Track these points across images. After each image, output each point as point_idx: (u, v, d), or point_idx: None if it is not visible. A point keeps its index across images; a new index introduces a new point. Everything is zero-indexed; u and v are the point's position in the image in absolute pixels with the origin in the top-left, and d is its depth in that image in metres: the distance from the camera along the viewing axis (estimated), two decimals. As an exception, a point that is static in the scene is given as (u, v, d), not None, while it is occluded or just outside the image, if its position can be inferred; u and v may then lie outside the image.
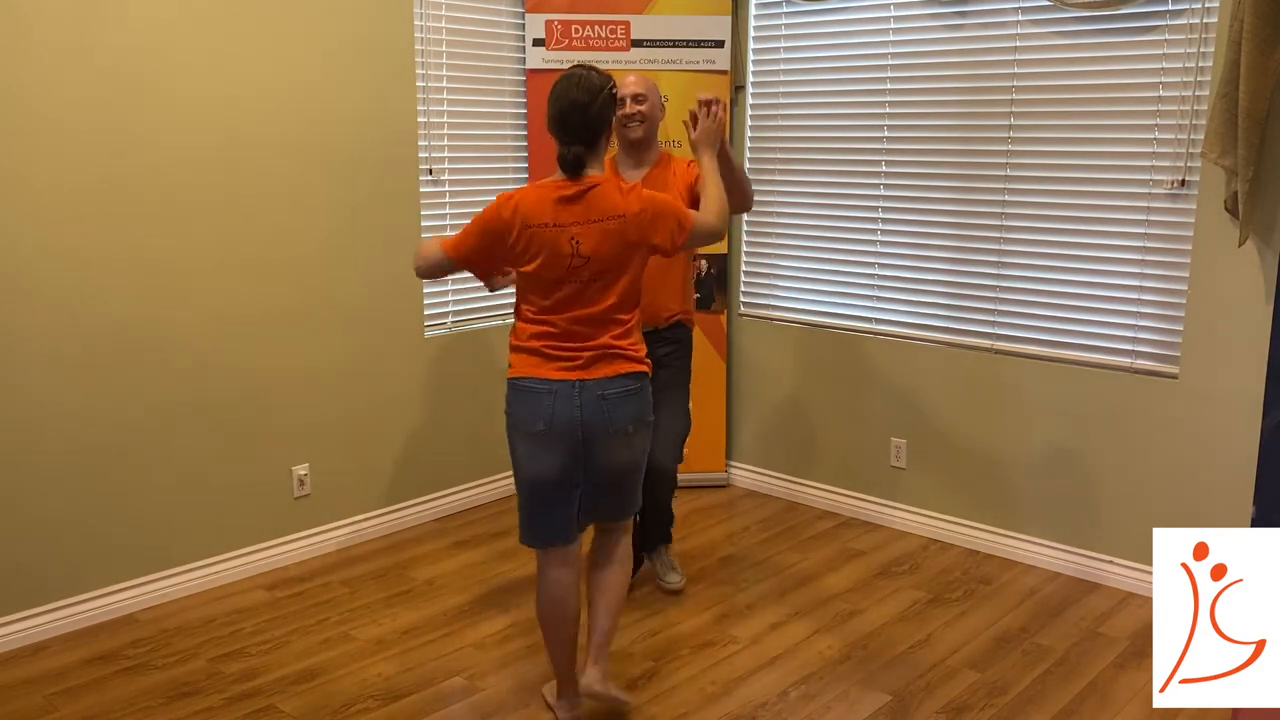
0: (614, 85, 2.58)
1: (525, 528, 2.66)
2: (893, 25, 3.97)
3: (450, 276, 4.13)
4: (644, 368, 2.63)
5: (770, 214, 4.44)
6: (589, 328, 2.54)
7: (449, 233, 4.12)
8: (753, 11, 4.38)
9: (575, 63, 2.67)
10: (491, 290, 2.86)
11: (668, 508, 3.58)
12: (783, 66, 4.33)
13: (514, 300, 2.67)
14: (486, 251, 2.56)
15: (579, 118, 2.51)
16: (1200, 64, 3.29)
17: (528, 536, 2.66)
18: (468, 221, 4.13)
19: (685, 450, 3.66)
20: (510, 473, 4.46)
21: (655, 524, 3.59)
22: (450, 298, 4.20)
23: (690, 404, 3.50)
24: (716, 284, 4.48)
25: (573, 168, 2.53)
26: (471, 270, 2.63)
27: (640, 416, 2.63)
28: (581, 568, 2.71)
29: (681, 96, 4.27)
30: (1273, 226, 3.19)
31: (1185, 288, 3.40)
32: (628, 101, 3.24)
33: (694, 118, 2.84)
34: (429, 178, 4.03)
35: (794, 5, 4.24)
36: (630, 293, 2.58)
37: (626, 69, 4.20)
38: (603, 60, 4.22)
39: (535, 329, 2.56)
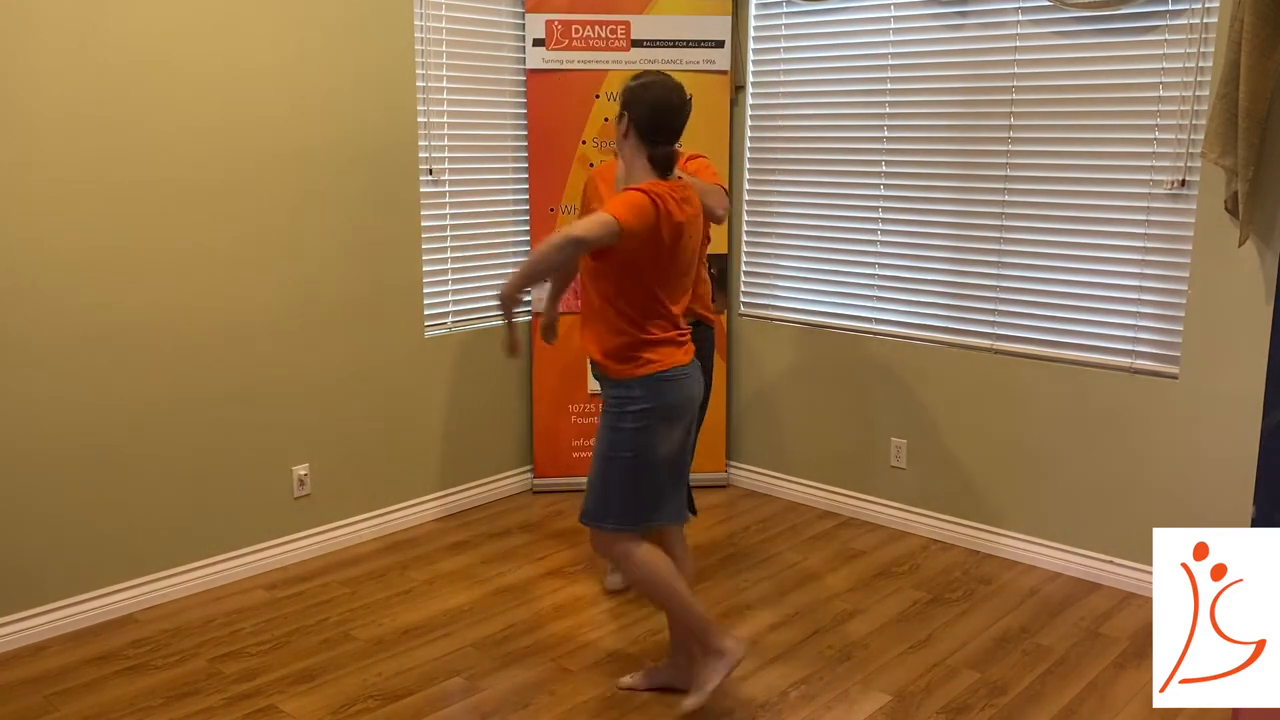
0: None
1: (637, 509, 2.69)
2: (893, 25, 3.97)
3: (451, 275, 4.16)
4: None
5: (770, 214, 4.44)
6: (684, 312, 2.79)
7: (449, 233, 4.13)
8: (753, 11, 4.38)
9: (645, 69, 2.79)
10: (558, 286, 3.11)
11: None
12: (783, 66, 4.33)
13: (604, 298, 2.70)
14: (643, 237, 2.56)
15: (680, 120, 2.66)
16: (1200, 64, 3.29)
17: (637, 517, 2.70)
18: (472, 219, 4.18)
19: None
20: (511, 473, 4.48)
21: None
22: (450, 298, 4.20)
23: None
24: (716, 284, 4.48)
25: (668, 166, 2.68)
26: (615, 251, 2.57)
27: None
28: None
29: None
30: (1273, 226, 3.19)
31: (1185, 288, 3.40)
32: None
33: None
34: (429, 178, 4.03)
35: (794, 5, 4.24)
36: None
37: (627, 69, 4.21)
38: (603, 60, 4.22)
39: (662, 321, 2.68)
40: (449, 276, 4.17)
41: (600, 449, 2.72)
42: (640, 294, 2.64)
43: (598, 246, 2.52)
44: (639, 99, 2.64)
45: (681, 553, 2.94)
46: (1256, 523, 2.46)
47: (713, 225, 3.13)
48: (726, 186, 3.28)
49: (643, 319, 2.66)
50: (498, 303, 2.57)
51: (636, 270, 2.61)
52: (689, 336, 2.77)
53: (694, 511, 3.61)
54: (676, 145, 2.70)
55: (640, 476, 2.70)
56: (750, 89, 4.43)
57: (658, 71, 2.71)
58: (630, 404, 2.65)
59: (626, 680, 2.94)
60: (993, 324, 3.85)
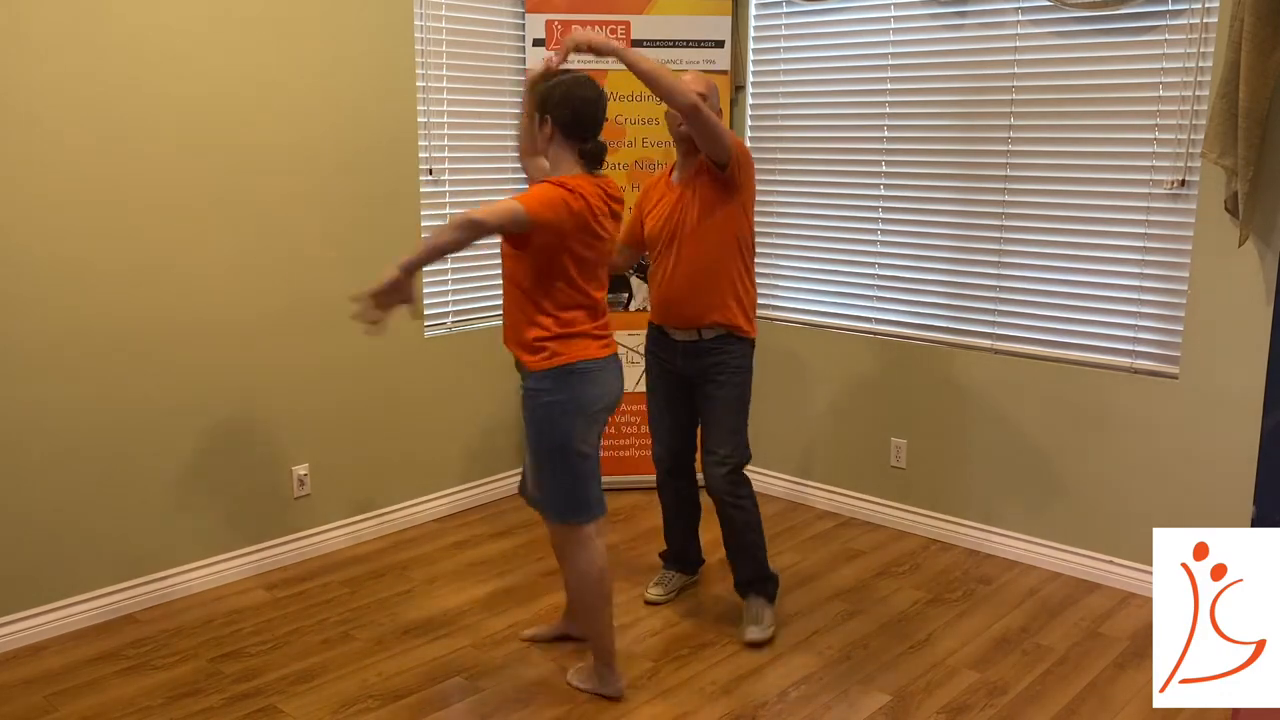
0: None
1: (588, 500, 2.79)
2: (893, 25, 3.97)
3: (451, 275, 4.16)
4: None
5: (770, 214, 4.44)
6: (603, 305, 2.80)
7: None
8: (753, 11, 4.38)
9: (564, 73, 2.79)
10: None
11: (744, 544, 3.23)
12: (783, 66, 4.33)
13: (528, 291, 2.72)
14: (556, 229, 2.60)
15: (602, 111, 2.74)
16: (1200, 64, 3.29)
17: (595, 507, 2.80)
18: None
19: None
20: (511, 472, 4.48)
21: (738, 562, 3.26)
22: (450, 298, 4.20)
23: (745, 432, 3.22)
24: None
25: (599, 160, 2.75)
26: (531, 239, 2.62)
27: None
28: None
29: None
30: (1273, 226, 3.19)
31: (1185, 288, 3.40)
32: None
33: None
34: (429, 178, 4.03)
35: (794, 5, 4.24)
36: None
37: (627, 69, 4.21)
38: (602, 60, 4.21)
39: (580, 313, 2.72)
40: (449, 276, 4.17)
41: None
42: (565, 282, 2.69)
43: (499, 232, 2.57)
44: (557, 101, 2.70)
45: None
46: (1256, 523, 2.46)
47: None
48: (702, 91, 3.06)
49: (564, 307, 2.70)
50: (391, 282, 2.51)
51: (573, 256, 2.67)
52: (603, 331, 2.78)
53: (756, 590, 3.31)
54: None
55: (579, 466, 2.83)
56: (750, 89, 4.43)
57: (563, 72, 2.77)
58: (543, 395, 2.70)
59: (529, 632, 3.21)
60: (993, 324, 3.85)
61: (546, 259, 2.64)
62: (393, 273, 2.51)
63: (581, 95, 2.70)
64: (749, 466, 3.53)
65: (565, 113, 2.70)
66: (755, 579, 3.27)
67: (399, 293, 2.53)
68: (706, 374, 3.17)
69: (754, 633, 3.19)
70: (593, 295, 2.75)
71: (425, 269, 4.04)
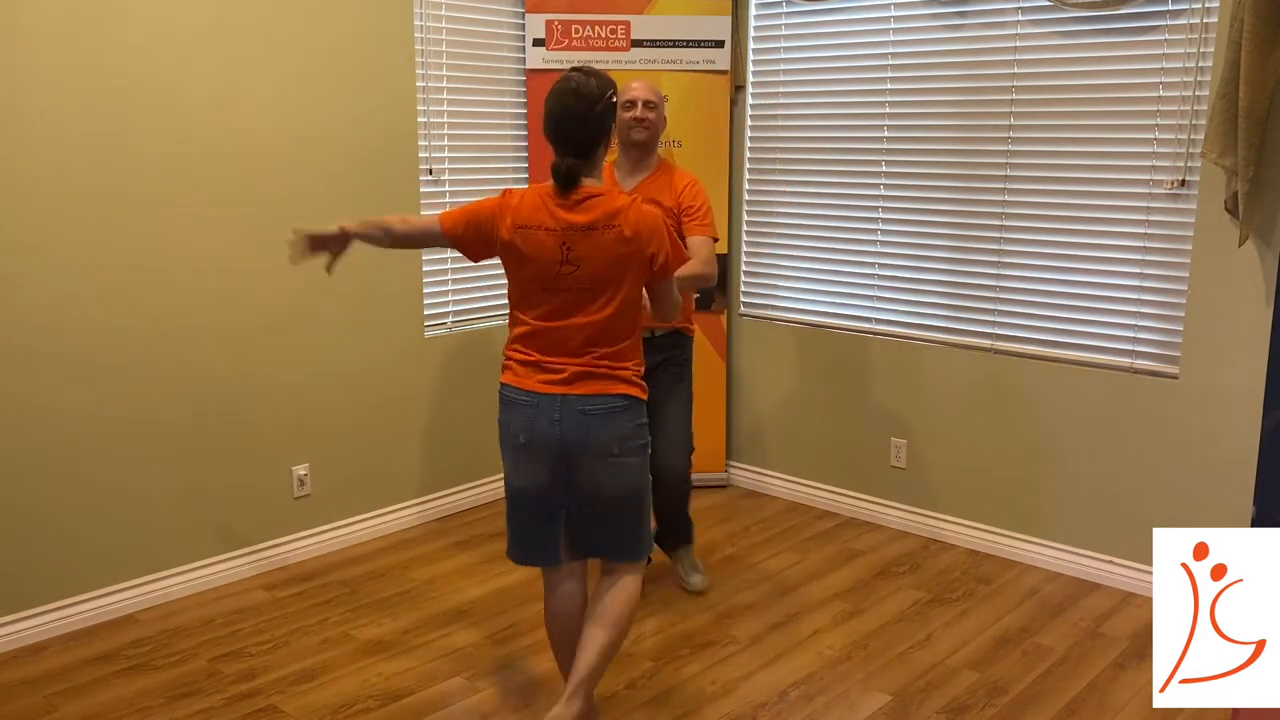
0: (614, 92, 2.42)
1: (509, 540, 2.59)
2: (893, 25, 3.97)
3: (451, 275, 4.16)
4: (635, 390, 2.47)
5: (770, 214, 4.44)
6: (579, 341, 2.40)
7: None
8: (753, 11, 4.38)
9: (574, 65, 2.51)
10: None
11: (683, 513, 3.56)
12: (783, 66, 4.33)
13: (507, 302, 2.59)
14: (474, 238, 2.49)
15: (575, 128, 2.37)
16: (1200, 64, 3.29)
17: (509, 550, 2.60)
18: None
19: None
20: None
21: (672, 527, 3.59)
22: (450, 298, 4.20)
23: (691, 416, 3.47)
24: (716, 284, 4.48)
25: (565, 181, 2.38)
26: (463, 250, 2.55)
27: (626, 436, 2.45)
28: (587, 591, 2.64)
29: (682, 96, 4.27)
30: (1273, 226, 3.19)
31: (1185, 288, 3.40)
32: (639, 105, 3.23)
33: None
34: (429, 178, 4.03)
35: (794, 5, 4.24)
36: (625, 310, 2.41)
37: (627, 69, 4.21)
38: (602, 60, 4.22)
39: (525, 336, 2.44)
40: (449, 277, 4.17)
41: None
42: (511, 299, 2.50)
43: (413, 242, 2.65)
44: (546, 99, 2.44)
45: (595, 619, 2.53)
46: (1256, 523, 2.47)
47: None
48: (715, 235, 3.26)
49: (511, 324, 2.51)
50: (333, 235, 2.61)
51: (507, 273, 2.48)
52: (556, 366, 2.42)
53: (684, 541, 3.63)
54: (603, 158, 2.47)
55: (508, 498, 2.57)
56: (750, 89, 4.43)
57: (578, 70, 2.43)
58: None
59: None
60: (993, 324, 3.85)
61: (506, 268, 2.49)
62: (335, 229, 2.60)
63: (553, 102, 2.40)
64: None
65: (546, 116, 2.44)
66: (684, 533, 3.61)
67: (334, 244, 2.63)
68: (657, 369, 3.23)
69: (698, 580, 3.55)
70: (525, 319, 2.44)
71: (427, 267, 4.04)
